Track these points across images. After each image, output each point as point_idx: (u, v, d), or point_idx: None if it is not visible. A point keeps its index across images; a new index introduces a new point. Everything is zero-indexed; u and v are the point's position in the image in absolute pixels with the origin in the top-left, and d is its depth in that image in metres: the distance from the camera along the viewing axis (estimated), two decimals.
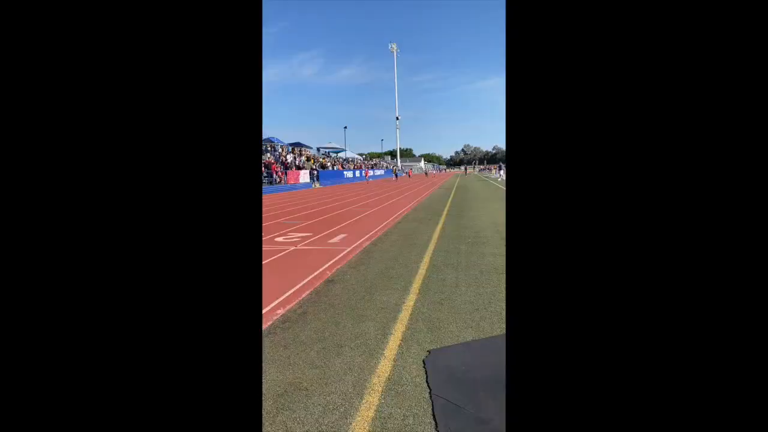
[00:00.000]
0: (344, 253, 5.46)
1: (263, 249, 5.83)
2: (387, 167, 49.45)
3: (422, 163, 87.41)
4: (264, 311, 3.26)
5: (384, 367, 2.35)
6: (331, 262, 4.95)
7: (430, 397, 2.04)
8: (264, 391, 2.11)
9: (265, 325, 2.98)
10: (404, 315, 3.15)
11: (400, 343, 2.65)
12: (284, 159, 27.97)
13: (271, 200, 15.05)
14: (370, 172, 39.23)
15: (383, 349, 2.57)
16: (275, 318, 3.13)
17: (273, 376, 2.26)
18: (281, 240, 6.59)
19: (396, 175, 38.85)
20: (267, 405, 1.99)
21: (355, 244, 6.03)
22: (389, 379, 2.21)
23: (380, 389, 2.11)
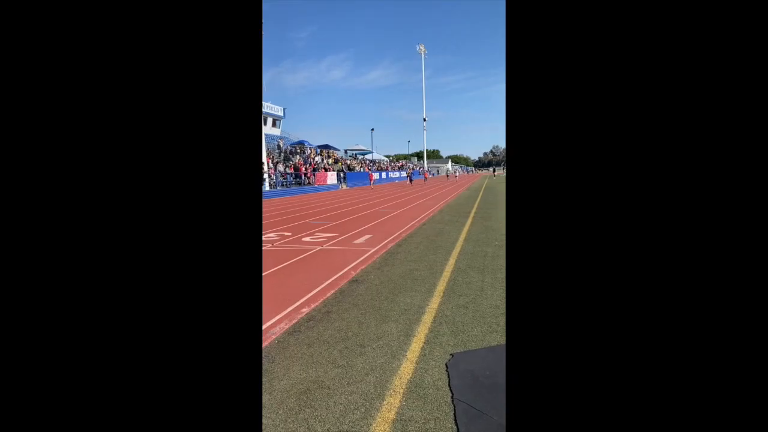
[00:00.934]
0: (369, 253, 5.49)
1: (291, 248, 5.95)
2: (413, 168, 48.93)
3: (449, 165, 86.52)
4: (289, 309, 3.33)
5: (406, 369, 2.33)
6: (356, 262, 4.98)
7: (452, 401, 2.01)
8: (288, 387, 2.15)
9: (290, 324, 3.03)
10: (428, 317, 3.12)
11: (423, 346, 2.62)
12: (313, 161, 28.47)
13: (299, 201, 15.35)
14: (375, 176, 31.31)
15: (406, 351, 2.55)
16: (300, 316, 3.18)
17: (296, 374, 2.29)
18: (308, 240, 6.70)
19: (410, 178, 32.69)
20: (290, 402, 2.02)
21: (379, 245, 6.04)
22: (411, 381, 2.20)
23: (402, 391, 2.10)
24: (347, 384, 2.18)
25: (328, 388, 2.14)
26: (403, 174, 43.39)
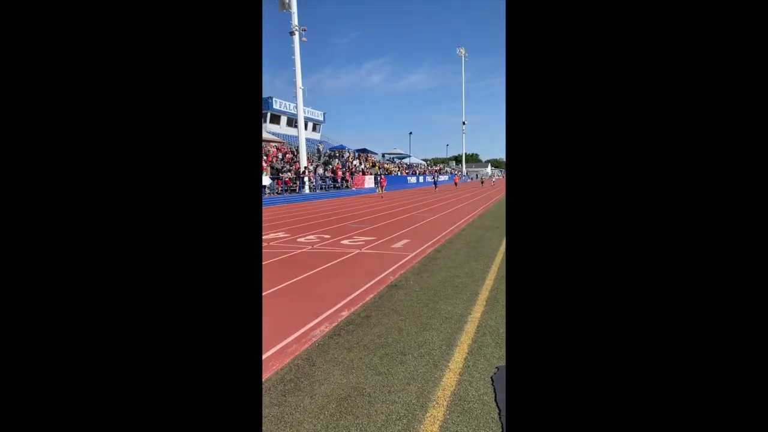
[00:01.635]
0: (407, 258, 5.42)
1: (331, 251, 6.01)
2: (452, 172, 48.18)
3: (489, 168, 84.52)
4: (329, 312, 3.33)
5: (449, 380, 2.24)
6: (395, 267, 4.93)
7: (500, 418, 1.89)
8: (328, 392, 2.14)
9: (330, 327, 3.03)
10: (470, 327, 3.00)
11: (466, 356, 2.52)
12: (351, 165, 28.88)
13: (338, 204, 15.58)
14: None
15: (448, 361, 2.46)
16: (340, 320, 3.17)
17: (336, 379, 2.27)
18: (347, 243, 6.75)
19: (435, 184, 27.99)
20: (331, 408, 2.00)
21: (418, 250, 5.96)
22: (455, 394, 2.11)
23: (445, 404, 2.02)
24: (388, 393, 2.13)
25: (369, 396, 2.10)
26: (443, 177, 41.29)
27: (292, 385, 2.22)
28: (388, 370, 2.37)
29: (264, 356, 2.54)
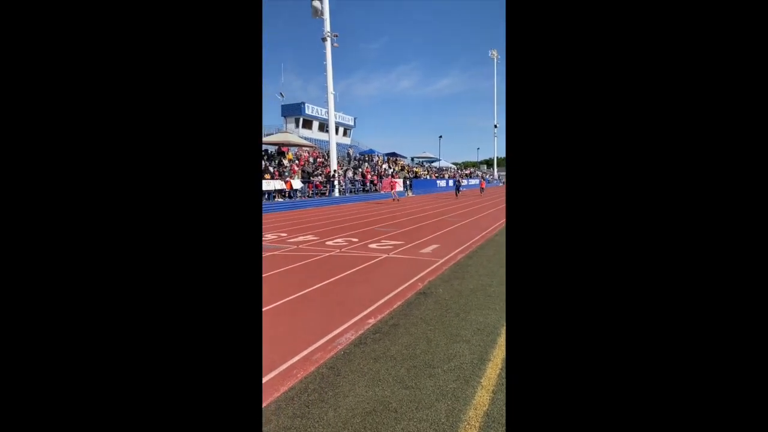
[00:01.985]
0: (437, 264, 5.27)
1: (358, 255, 5.96)
2: (483, 176, 47.17)
3: None
4: (355, 319, 3.25)
5: (482, 398, 2.09)
6: (423, 273, 4.79)
7: None
8: (353, 405, 2.04)
9: (356, 334, 2.94)
10: (504, 339, 2.82)
11: (500, 373, 2.35)
12: (380, 168, 28.95)
13: (367, 207, 15.59)
14: (398, 184, 23.49)
15: (480, 377, 2.30)
16: (366, 327, 3.08)
17: (362, 391, 2.17)
18: (374, 247, 6.67)
19: (457, 189, 24.07)
20: (355, 422, 1.90)
21: (447, 256, 5.79)
22: (488, 414, 1.95)
23: (478, 425, 1.87)
24: (416, 409, 2.01)
25: (395, 411, 1.98)
26: (474, 181, 39.53)
27: (316, 395, 2.14)
28: (415, 383, 2.25)
29: (289, 363, 2.48)
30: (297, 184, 17.66)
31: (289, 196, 17.05)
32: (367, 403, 2.06)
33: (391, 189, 20.45)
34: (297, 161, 21.00)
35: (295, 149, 22.57)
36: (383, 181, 26.03)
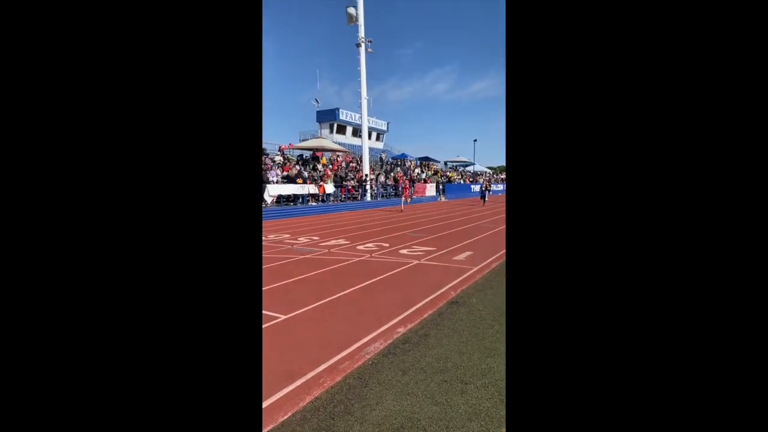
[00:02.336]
0: (470, 272, 5.09)
1: (388, 260, 5.88)
2: (488, 182, 45.61)
3: None
4: (384, 328, 3.17)
5: None
6: (456, 281, 4.64)
7: None
8: (380, 420, 1.95)
9: (385, 344, 2.86)
10: None
11: None
12: (412, 173, 28.82)
13: (398, 212, 15.51)
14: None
15: None
16: (395, 337, 2.99)
17: (390, 404, 2.08)
18: (405, 252, 6.57)
19: (484, 196, 20.33)
20: None
21: (482, 264, 5.58)
22: None
23: None
24: (446, 428, 1.89)
25: (424, 430, 1.88)
26: (500, 187, 37.38)
27: (342, 407, 2.07)
28: (446, 400, 2.13)
29: (316, 371, 2.44)
30: (330, 188, 17.90)
31: (322, 200, 17.30)
32: (395, 419, 1.96)
33: (403, 196, 17.64)
34: (331, 166, 21.32)
35: (329, 154, 22.94)
36: (416, 185, 25.90)
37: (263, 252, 6.71)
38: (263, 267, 5.52)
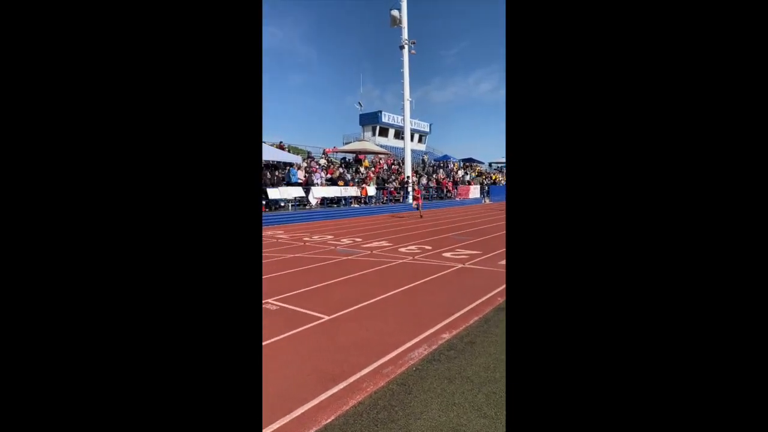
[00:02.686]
0: None
1: (431, 263, 5.77)
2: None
3: None
4: (428, 333, 3.07)
5: None
6: (503, 287, 4.42)
7: None
8: (423, 430, 1.87)
9: (429, 350, 2.77)
10: None
11: None
12: (455, 175, 28.33)
13: (441, 214, 15.28)
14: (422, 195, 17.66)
15: None
16: (440, 342, 2.89)
17: (434, 415, 1.99)
18: (449, 255, 6.41)
19: None
20: None
21: None
22: None
23: None
24: None
25: None
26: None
27: (385, 414, 2.01)
28: (495, 413, 2.00)
29: (358, 375, 2.40)
30: (372, 190, 18.03)
31: (364, 202, 17.46)
32: (441, 430, 1.87)
33: (414, 200, 15.38)
34: (373, 168, 21.49)
35: (371, 156, 23.14)
36: (459, 187, 25.41)
37: (308, 252, 6.86)
38: (308, 267, 5.63)
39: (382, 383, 2.31)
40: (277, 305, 3.82)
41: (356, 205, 16.83)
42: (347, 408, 2.05)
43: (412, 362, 2.58)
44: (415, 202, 15.13)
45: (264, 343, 2.88)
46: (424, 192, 17.29)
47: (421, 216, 14.42)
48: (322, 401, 2.11)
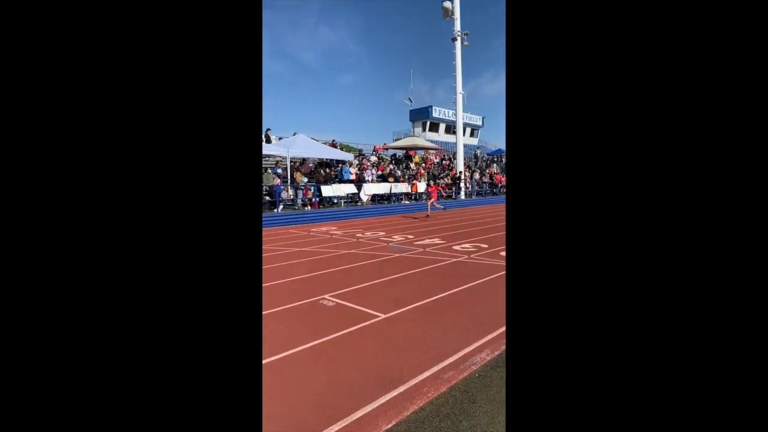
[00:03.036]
0: None
1: (488, 262, 5.51)
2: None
3: None
4: (490, 337, 2.89)
5: None
6: None
7: None
8: None
9: (492, 355, 2.59)
10: None
11: None
12: None
13: (496, 210, 14.70)
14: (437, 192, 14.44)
15: None
16: (503, 348, 2.69)
17: (502, 427, 1.83)
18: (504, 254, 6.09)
19: None
20: None
21: None
22: None
23: None
24: None
25: None
26: None
27: (449, 423, 1.89)
28: None
29: (418, 378, 2.30)
30: (422, 186, 17.82)
31: (415, 199, 17.31)
32: None
33: (430, 199, 13.09)
34: (423, 164, 21.24)
35: (422, 152, 22.88)
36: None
37: (361, 249, 6.88)
38: (363, 263, 5.64)
39: (443, 389, 2.19)
40: (333, 301, 3.84)
41: (407, 202, 16.74)
42: (408, 413, 1.96)
43: (474, 368, 2.43)
44: (431, 201, 12.83)
45: (320, 341, 2.88)
46: (440, 190, 15.40)
47: (428, 215, 12.39)
48: (381, 405, 2.04)
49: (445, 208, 13.49)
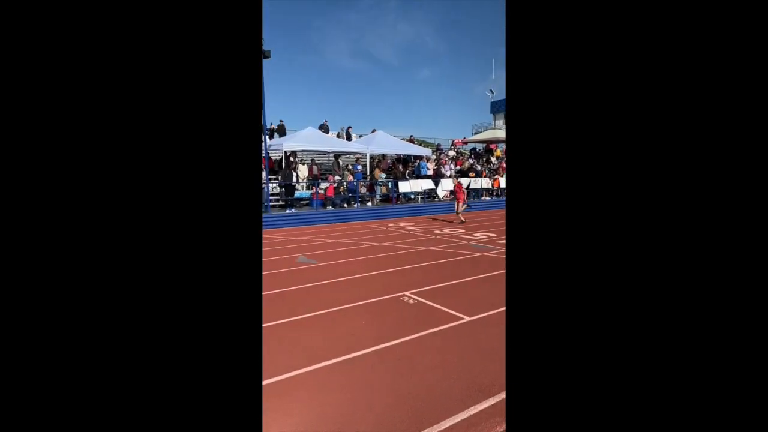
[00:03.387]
0: None
1: None
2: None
3: None
4: None
5: None
6: None
7: None
8: None
9: None
10: None
11: None
12: None
13: None
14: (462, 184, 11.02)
15: None
16: None
17: None
18: None
19: None
20: None
21: None
22: None
23: None
24: None
25: None
26: None
27: None
28: None
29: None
30: (504, 181, 16.92)
31: (497, 195, 16.53)
32: None
33: (458, 202, 10.37)
34: (505, 158, 20.16)
35: (503, 146, 21.74)
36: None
37: (440, 246, 6.74)
38: (442, 261, 5.50)
39: None
40: (414, 299, 3.78)
41: (488, 198, 16.06)
42: (501, 430, 1.81)
43: None
44: (458, 203, 10.34)
45: (403, 339, 2.84)
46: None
47: (463, 220, 10.07)
48: (471, 417, 1.92)
49: (469, 206, 11.48)
